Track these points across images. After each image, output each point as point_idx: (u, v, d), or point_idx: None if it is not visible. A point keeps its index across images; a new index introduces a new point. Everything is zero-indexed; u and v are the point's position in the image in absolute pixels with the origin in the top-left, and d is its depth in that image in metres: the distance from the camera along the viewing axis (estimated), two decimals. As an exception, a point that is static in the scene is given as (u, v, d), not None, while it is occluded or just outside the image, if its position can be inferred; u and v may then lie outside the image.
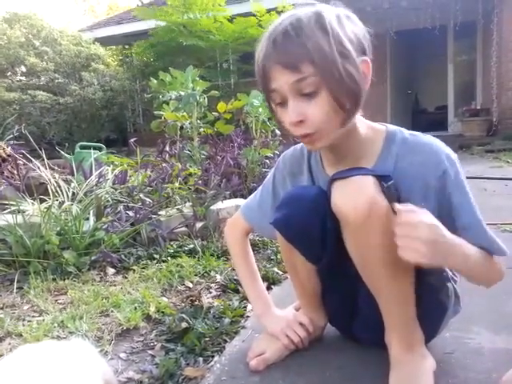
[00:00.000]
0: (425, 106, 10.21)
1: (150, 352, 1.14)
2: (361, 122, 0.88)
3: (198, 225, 2.15)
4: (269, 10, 6.48)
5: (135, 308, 1.33)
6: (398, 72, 8.20)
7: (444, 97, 8.29)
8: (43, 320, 1.28)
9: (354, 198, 0.77)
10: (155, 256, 1.83)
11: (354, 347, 1.05)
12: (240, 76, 7.89)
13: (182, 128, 3.26)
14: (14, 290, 1.51)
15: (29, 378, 0.67)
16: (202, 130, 3.13)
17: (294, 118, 0.77)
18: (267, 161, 3.06)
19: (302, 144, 1.03)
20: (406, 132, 0.88)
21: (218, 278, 1.64)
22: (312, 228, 0.87)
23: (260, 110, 3.02)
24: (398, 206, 0.74)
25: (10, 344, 1.18)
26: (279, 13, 6.42)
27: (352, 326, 1.01)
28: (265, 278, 1.58)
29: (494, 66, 6.83)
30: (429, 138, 0.86)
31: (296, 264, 0.96)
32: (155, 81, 3.72)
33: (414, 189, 0.82)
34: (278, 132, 3.25)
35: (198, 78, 3.22)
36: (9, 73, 8.14)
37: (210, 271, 1.69)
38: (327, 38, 0.74)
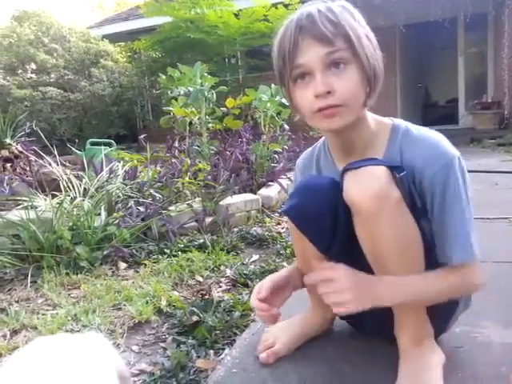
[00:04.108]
0: (435, 99, 10.09)
1: (161, 345, 1.16)
2: (369, 116, 0.90)
3: (208, 220, 2.17)
4: (274, 4, 6.44)
5: (147, 302, 1.35)
6: (408, 65, 8.11)
7: (455, 90, 8.18)
8: (57, 313, 1.31)
9: (366, 187, 0.77)
10: (166, 251, 1.85)
11: (363, 340, 1.05)
12: (248, 71, 7.87)
13: (190, 123, 3.28)
14: (29, 284, 1.55)
15: (45, 369, 0.69)
16: (210, 125, 3.14)
17: (322, 88, 0.78)
18: (276, 156, 3.06)
19: (314, 145, 1.05)
20: (411, 125, 0.89)
21: (228, 272, 1.65)
22: (322, 216, 0.87)
23: (268, 104, 3.02)
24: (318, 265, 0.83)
25: (25, 336, 1.21)
26: (286, 6, 6.40)
27: (361, 319, 1.01)
28: (273, 272, 1.59)
29: (506, 58, 6.72)
30: (432, 133, 0.86)
31: (306, 254, 0.96)
32: (164, 76, 3.74)
33: (420, 180, 0.83)
34: (286, 127, 3.26)
35: (206, 74, 3.22)
36: (19, 70, 8.22)
37: (220, 265, 1.71)
38: (357, 22, 0.82)
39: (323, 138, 1.03)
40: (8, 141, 3.09)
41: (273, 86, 3.18)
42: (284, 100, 3.11)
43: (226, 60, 8.06)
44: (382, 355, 0.98)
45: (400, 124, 0.90)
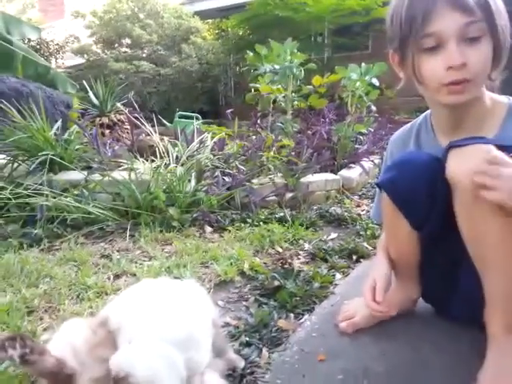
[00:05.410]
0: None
1: (244, 303, 1.24)
2: (485, 93, 0.86)
3: (288, 195, 2.22)
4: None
5: (231, 263, 1.44)
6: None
7: None
8: (152, 264, 1.45)
9: (471, 166, 0.73)
10: (248, 220, 1.94)
11: (446, 323, 1.03)
12: (334, 50, 7.68)
13: (274, 101, 3.32)
14: (127, 237, 1.72)
15: (158, 302, 0.79)
16: (295, 103, 3.15)
17: (458, 61, 0.77)
18: (361, 137, 3.00)
19: (412, 122, 1.03)
20: None
21: (307, 246, 1.69)
22: (419, 192, 0.86)
23: (357, 84, 2.95)
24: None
25: (125, 281, 1.36)
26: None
27: (449, 302, 0.99)
28: (353, 252, 1.60)
29: None
30: None
31: (397, 228, 0.95)
32: (251, 54, 3.80)
33: None
34: (373, 108, 3.16)
35: (296, 51, 3.22)
36: (116, 44, 8.81)
37: (299, 239, 1.76)
38: None
39: (425, 113, 1.01)
40: (110, 108, 3.39)
41: (363, 65, 3.09)
42: (374, 80, 3.02)
43: (312, 38, 7.92)
44: (467, 341, 0.96)
45: None
